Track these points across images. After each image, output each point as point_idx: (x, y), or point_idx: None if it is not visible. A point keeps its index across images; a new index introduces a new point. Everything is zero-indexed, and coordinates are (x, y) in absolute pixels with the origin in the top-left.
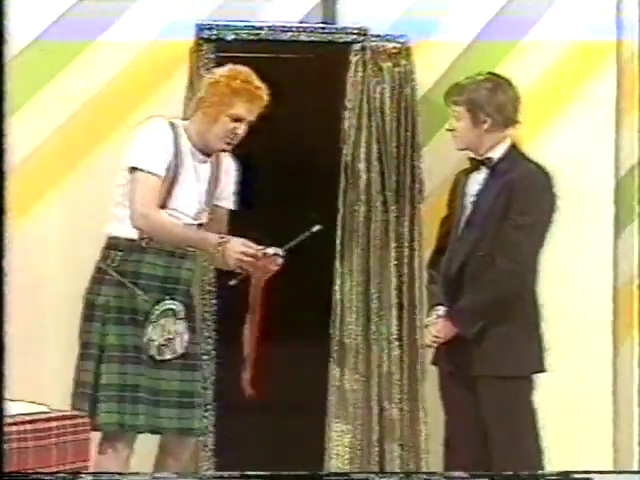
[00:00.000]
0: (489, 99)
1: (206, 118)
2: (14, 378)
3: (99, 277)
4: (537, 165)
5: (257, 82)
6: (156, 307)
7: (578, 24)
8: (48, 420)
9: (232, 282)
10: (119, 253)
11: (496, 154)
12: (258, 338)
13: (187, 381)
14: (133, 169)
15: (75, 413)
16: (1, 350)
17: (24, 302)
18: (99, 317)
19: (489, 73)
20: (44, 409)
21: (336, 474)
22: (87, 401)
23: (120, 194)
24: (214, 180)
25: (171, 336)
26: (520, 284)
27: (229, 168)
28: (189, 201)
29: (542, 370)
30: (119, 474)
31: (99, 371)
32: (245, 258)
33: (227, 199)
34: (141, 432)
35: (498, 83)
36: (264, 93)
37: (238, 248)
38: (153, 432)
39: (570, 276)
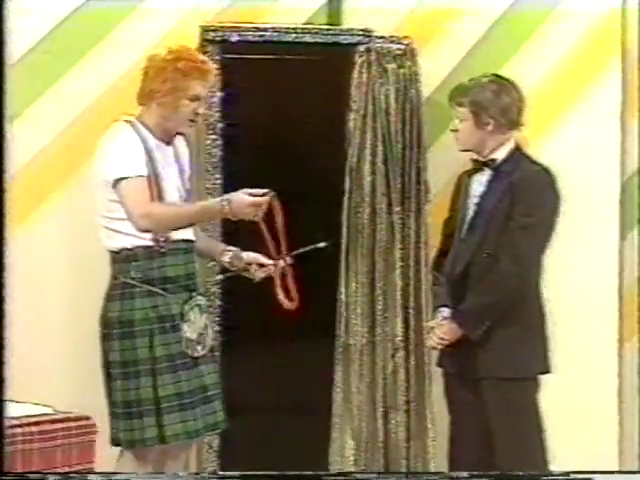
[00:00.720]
0: (493, 101)
1: (164, 108)
2: (19, 381)
3: (127, 292)
4: (541, 166)
5: (200, 56)
6: (186, 305)
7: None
8: (53, 422)
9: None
10: (139, 263)
11: (499, 155)
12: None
13: (218, 373)
14: (117, 181)
15: (80, 415)
16: (2, 353)
17: (27, 305)
18: (143, 331)
19: (493, 75)
20: (49, 411)
21: (338, 474)
22: (148, 417)
23: (116, 209)
24: (180, 164)
25: (203, 331)
26: (524, 285)
27: (184, 148)
28: (174, 190)
29: (547, 371)
30: (119, 474)
31: (155, 384)
32: (256, 200)
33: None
34: (202, 435)
35: (502, 85)
36: (211, 65)
37: (244, 198)
38: (211, 431)
39: (576, 278)
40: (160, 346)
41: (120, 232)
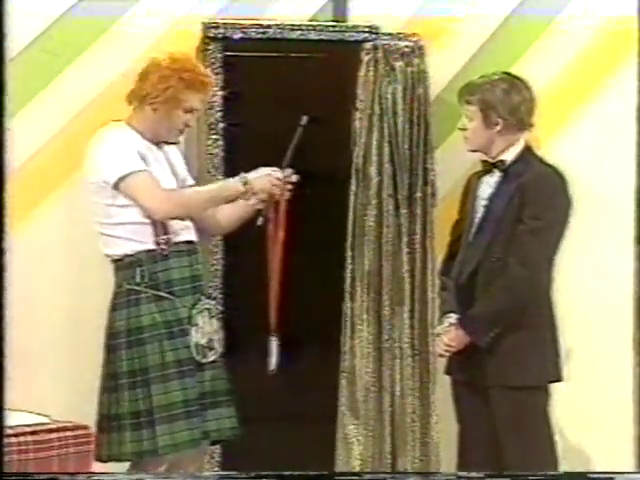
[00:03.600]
0: (503, 100)
1: (158, 114)
2: (15, 388)
3: (133, 299)
4: (551, 168)
5: (202, 68)
6: (194, 309)
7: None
8: (49, 431)
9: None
10: (143, 268)
11: (509, 156)
12: (281, 278)
13: (225, 379)
14: (121, 179)
15: (77, 424)
16: (2, 358)
17: (26, 308)
18: (152, 337)
19: (504, 73)
20: (45, 420)
21: (352, 474)
22: (162, 425)
23: (113, 214)
24: (172, 165)
25: (211, 336)
26: (534, 290)
27: (175, 152)
28: None
29: (558, 380)
30: (123, 474)
31: (167, 391)
32: (275, 181)
33: (188, 177)
34: (200, 444)
35: (513, 84)
36: (211, 80)
37: (266, 177)
38: (213, 438)
39: (589, 283)
40: (169, 351)
41: (120, 238)
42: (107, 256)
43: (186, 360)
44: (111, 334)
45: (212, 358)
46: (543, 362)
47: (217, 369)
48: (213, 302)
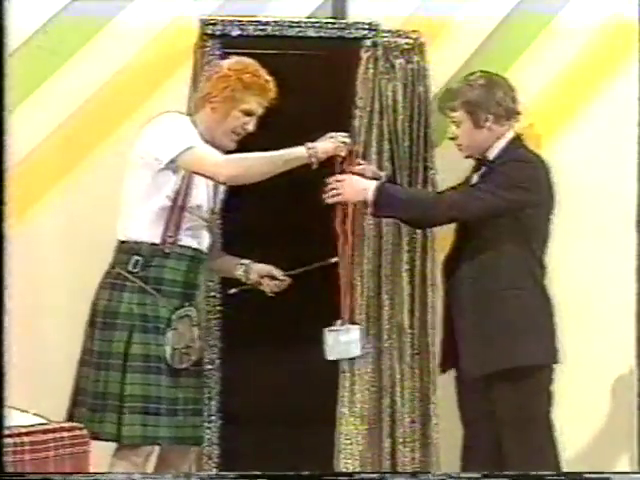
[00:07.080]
0: (486, 96)
1: (216, 114)
2: (13, 389)
3: (119, 283)
4: (535, 155)
5: (265, 75)
6: (175, 314)
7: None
8: (45, 432)
9: (232, 291)
10: (140, 258)
11: (496, 149)
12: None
13: (200, 388)
14: (182, 153)
15: (74, 425)
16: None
17: (25, 307)
18: (123, 325)
19: (480, 71)
20: (41, 420)
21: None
22: (109, 412)
23: (140, 194)
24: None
25: (189, 343)
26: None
27: None
28: (202, 201)
29: (555, 362)
30: (121, 474)
31: (124, 381)
32: (339, 144)
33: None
34: (161, 444)
35: (491, 79)
36: (273, 86)
37: (329, 140)
38: (173, 443)
39: (592, 279)
40: (137, 344)
41: (134, 220)
42: (117, 236)
43: (155, 357)
44: (93, 310)
45: (186, 365)
46: (536, 344)
47: (192, 377)
48: (196, 311)
